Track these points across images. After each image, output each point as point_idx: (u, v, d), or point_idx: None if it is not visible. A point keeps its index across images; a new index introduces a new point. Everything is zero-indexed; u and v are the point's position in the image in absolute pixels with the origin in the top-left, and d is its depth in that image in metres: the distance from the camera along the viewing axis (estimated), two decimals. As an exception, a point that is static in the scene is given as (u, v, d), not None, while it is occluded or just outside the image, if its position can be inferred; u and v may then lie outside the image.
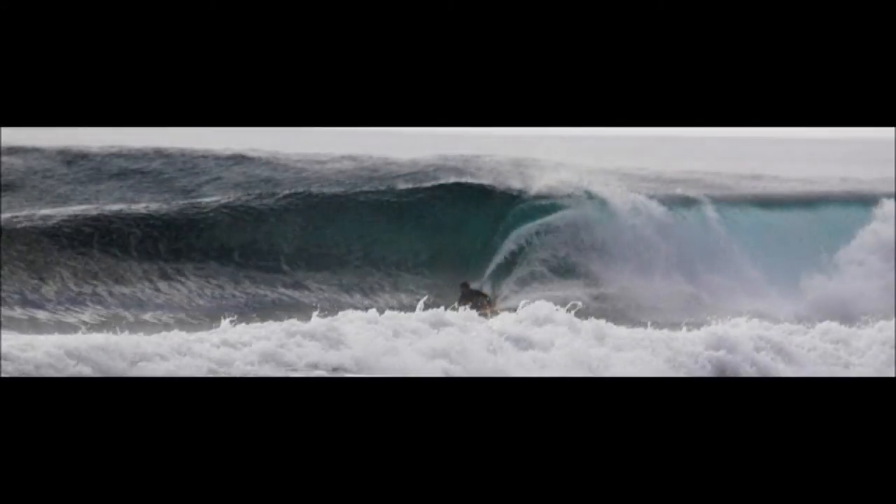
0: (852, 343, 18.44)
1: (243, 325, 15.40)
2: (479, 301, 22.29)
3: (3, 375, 12.74)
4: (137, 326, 19.39)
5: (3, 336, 13.60)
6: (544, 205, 28.88)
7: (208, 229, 27.01)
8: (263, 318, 16.51)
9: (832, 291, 27.10)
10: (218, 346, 14.68)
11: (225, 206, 28.01)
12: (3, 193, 30.28)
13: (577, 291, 23.79)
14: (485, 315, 18.53)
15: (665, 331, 17.68)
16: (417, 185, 29.84)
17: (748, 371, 16.94)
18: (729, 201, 30.74)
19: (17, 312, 22.49)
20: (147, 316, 23.56)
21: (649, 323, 18.18)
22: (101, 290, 24.33)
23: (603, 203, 28.58)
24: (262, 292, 25.80)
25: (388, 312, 16.51)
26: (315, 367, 14.75)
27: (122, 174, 32.86)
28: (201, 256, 26.25)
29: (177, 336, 14.79)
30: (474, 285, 24.29)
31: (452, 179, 30.14)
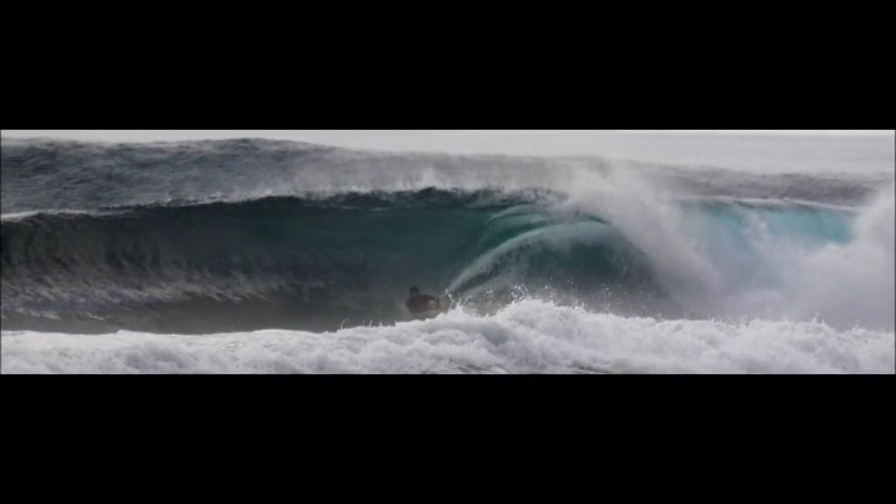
0: (852, 343, 18.44)
1: (243, 325, 15.39)
2: (424, 304, 22.43)
3: (2, 373, 12.73)
4: (136, 326, 19.40)
5: (3, 335, 13.57)
6: (541, 206, 28.89)
7: (206, 229, 27.01)
8: (264, 319, 16.53)
9: (832, 290, 27.04)
10: (218, 346, 14.67)
11: (224, 205, 28.01)
12: (3, 193, 30.29)
13: (574, 293, 23.79)
14: (429, 316, 18.34)
15: (665, 330, 17.68)
16: (415, 186, 29.84)
17: (748, 371, 16.93)
18: (731, 201, 30.74)
19: (18, 312, 22.51)
20: (145, 316, 23.58)
21: (649, 322, 18.16)
22: (99, 290, 24.33)
23: (603, 203, 28.57)
24: (261, 293, 25.82)
25: (387, 315, 16.54)
26: (315, 367, 14.75)
27: (121, 174, 32.87)
28: (200, 256, 26.26)
29: (175, 336, 14.78)
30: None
31: (449, 180, 30.13)
